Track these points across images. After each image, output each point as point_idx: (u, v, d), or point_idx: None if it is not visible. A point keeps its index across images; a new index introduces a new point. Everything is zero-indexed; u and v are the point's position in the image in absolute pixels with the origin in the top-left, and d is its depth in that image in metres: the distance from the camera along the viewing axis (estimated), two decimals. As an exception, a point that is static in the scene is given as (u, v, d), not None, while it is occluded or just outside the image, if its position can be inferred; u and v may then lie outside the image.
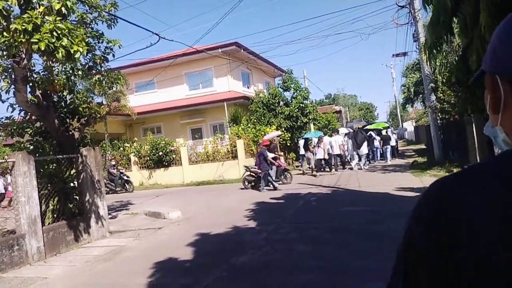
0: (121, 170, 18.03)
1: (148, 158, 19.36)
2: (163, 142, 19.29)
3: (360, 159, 17.23)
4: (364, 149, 17.13)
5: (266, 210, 9.09)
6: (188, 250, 6.05)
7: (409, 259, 0.67)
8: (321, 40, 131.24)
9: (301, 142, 18.48)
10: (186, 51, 21.76)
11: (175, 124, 23.23)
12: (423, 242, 0.66)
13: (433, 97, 15.05)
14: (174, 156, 19.04)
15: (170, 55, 24.10)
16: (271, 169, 13.36)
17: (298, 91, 21.64)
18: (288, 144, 21.20)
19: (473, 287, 0.58)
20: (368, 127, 22.73)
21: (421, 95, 23.44)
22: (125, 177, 17.62)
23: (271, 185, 12.92)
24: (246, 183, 13.77)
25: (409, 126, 45.79)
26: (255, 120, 20.56)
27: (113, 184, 17.38)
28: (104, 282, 5.02)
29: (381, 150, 19.46)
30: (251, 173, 13.67)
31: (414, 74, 27.49)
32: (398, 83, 44.38)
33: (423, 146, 25.53)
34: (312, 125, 25.21)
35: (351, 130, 20.65)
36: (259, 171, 13.10)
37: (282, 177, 14.14)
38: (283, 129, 20.32)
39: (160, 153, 18.82)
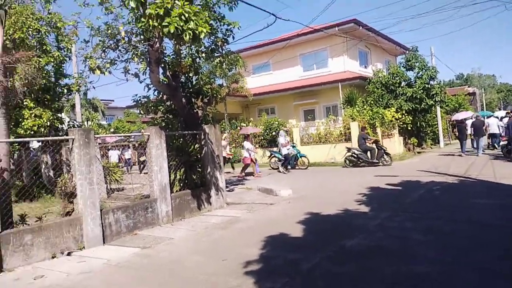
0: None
1: (262, 138, 20.09)
2: (277, 122, 19.74)
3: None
4: None
5: (381, 196, 8.58)
6: (297, 228, 6.10)
7: None
8: (453, 12, 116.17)
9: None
10: (301, 31, 21.62)
11: (289, 105, 23.52)
12: None
13: None
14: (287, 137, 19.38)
15: (285, 37, 24.30)
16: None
17: (423, 71, 19.56)
18: (410, 128, 19.52)
19: None
20: None
21: None
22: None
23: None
24: (347, 162, 15.42)
25: None
26: (372, 102, 19.42)
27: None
28: (220, 249, 5.41)
29: None
30: (352, 154, 15.34)
31: None
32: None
33: None
34: (438, 108, 22.74)
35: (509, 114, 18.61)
36: (359, 151, 15.13)
37: (382, 159, 15.16)
38: (403, 112, 18.76)
39: (273, 133, 19.33)
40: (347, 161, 15.47)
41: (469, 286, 3.59)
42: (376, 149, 15.20)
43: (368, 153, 15.22)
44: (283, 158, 15.30)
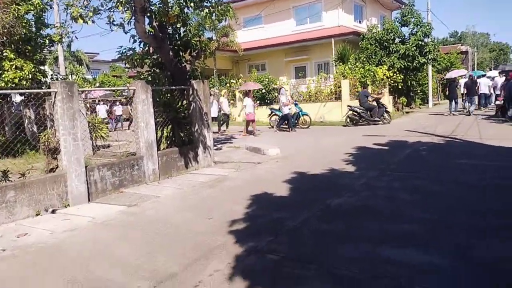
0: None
1: (252, 95, 19.75)
2: (267, 79, 19.37)
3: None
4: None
5: (368, 156, 8.64)
6: (284, 187, 6.12)
7: None
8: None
9: None
10: (295, -18, 20.63)
11: (280, 61, 23.01)
12: None
13: None
14: (276, 94, 19.09)
15: (278, -13, 23.20)
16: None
17: (418, 27, 19.10)
18: (400, 87, 19.39)
19: None
20: None
21: None
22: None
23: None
24: (348, 121, 15.20)
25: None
26: (364, 59, 19.09)
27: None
28: (207, 206, 5.42)
29: None
30: (354, 112, 15.09)
31: None
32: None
33: None
34: (430, 67, 22.51)
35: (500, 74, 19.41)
36: (361, 109, 15.05)
37: (382, 117, 15.15)
38: (395, 70, 18.53)
39: (263, 91, 19.01)
40: (349, 120, 15.22)
41: (455, 243, 3.67)
42: (377, 107, 15.10)
43: (370, 111, 15.16)
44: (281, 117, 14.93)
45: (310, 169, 7.29)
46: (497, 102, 15.13)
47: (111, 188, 6.46)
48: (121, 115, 21.11)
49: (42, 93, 8.11)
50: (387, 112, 15.40)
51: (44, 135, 6.23)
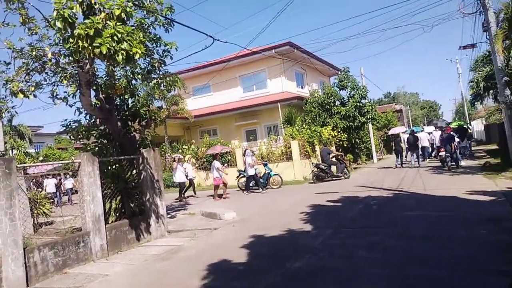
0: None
1: (205, 160, 19.76)
2: (219, 143, 19.59)
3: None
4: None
5: (322, 213, 8.75)
6: (242, 253, 5.94)
7: None
8: (379, 34, 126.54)
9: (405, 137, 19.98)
10: (239, 53, 21.97)
11: (230, 126, 23.57)
12: None
13: (508, 92, 13.60)
14: (229, 157, 19.25)
15: (224, 59, 24.53)
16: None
17: (355, 90, 20.82)
18: (345, 145, 20.47)
19: None
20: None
21: (492, 91, 21.38)
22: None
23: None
24: (315, 178, 15.58)
25: (478, 124, 42.19)
26: (309, 121, 20.14)
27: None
28: (160, 282, 5.07)
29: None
30: (319, 169, 15.73)
31: (484, 67, 25.23)
32: (464, 79, 41.10)
33: (495, 147, 23.35)
34: (370, 125, 24.18)
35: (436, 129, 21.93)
36: (326, 166, 15.77)
37: (343, 172, 15.81)
38: (339, 129, 19.66)
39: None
40: (315, 177, 15.58)
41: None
42: (339, 163, 15.93)
43: (333, 167, 15.82)
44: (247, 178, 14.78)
45: (268, 231, 7.19)
46: (441, 153, 16.27)
47: (54, 269, 5.88)
48: (71, 188, 19.91)
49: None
50: (346, 167, 16.21)
51: (-24, 217, 5.66)
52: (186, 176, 15.22)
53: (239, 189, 15.88)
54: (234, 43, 24.61)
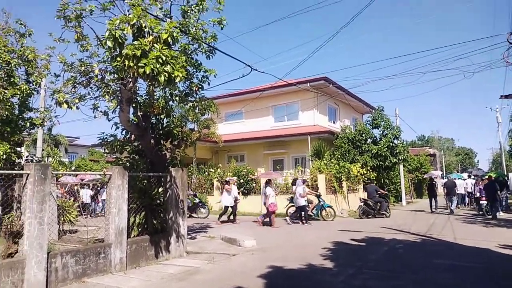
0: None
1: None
2: (245, 170, 19.65)
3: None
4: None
5: (345, 252, 8.48)
6: (259, 282, 5.83)
7: None
8: (418, 76, 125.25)
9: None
10: (274, 84, 22.35)
11: (258, 154, 23.67)
12: None
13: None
14: (254, 185, 19.20)
15: (259, 88, 25.00)
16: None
17: (388, 129, 20.53)
18: (374, 184, 19.99)
19: None
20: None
21: (533, 143, 20.59)
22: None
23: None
24: (362, 213, 15.59)
25: (517, 176, 40.14)
26: (339, 156, 19.92)
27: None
28: (175, 302, 5.03)
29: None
30: (366, 205, 15.76)
31: (526, 118, 24.38)
32: (504, 129, 39.67)
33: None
34: (401, 167, 23.58)
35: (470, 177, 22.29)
36: (373, 202, 15.86)
37: (386, 210, 15.85)
38: (368, 168, 19.29)
39: (241, 181, 19.15)
40: (362, 213, 15.62)
41: None
42: (384, 201, 16.15)
43: (378, 204, 15.96)
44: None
45: (287, 263, 7.04)
46: (481, 202, 16.27)
47: (73, 277, 5.98)
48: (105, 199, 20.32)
49: (13, 174, 7.90)
50: (388, 206, 16.25)
51: (8, 218, 5.92)
52: (236, 200, 14.97)
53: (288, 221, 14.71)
54: (271, 73, 25.28)
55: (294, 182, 14.81)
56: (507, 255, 7.71)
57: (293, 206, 14.91)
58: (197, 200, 17.39)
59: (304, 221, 13.92)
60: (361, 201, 16.20)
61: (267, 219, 13.68)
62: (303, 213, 14.02)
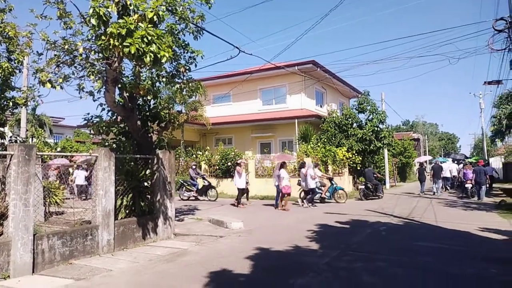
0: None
1: (217, 167, 19.85)
2: (233, 153, 19.67)
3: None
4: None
5: (330, 234, 8.66)
6: (245, 264, 5.92)
7: None
8: (404, 62, 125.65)
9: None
10: (262, 67, 22.21)
11: (246, 137, 23.68)
12: None
13: (532, 132, 13.41)
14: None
15: (247, 70, 24.81)
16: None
17: (374, 114, 20.73)
18: (358, 168, 20.28)
19: None
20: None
21: (515, 129, 21.08)
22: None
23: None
24: (362, 195, 16.53)
25: (496, 162, 41.25)
26: (325, 140, 20.09)
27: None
28: (162, 283, 5.09)
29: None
30: (366, 188, 16.68)
31: (508, 105, 24.84)
32: (486, 115, 40.44)
33: (513, 186, 22.82)
34: (386, 151, 23.93)
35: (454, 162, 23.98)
36: (372, 185, 16.83)
37: (382, 192, 17.13)
38: (354, 152, 19.53)
39: (229, 164, 19.19)
40: (363, 195, 16.48)
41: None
42: (379, 184, 17.33)
43: (375, 187, 17.02)
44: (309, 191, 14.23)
45: (273, 245, 7.16)
46: (467, 185, 17.04)
47: (60, 258, 5.97)
48: None
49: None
50: (382, 189, 17.47)
51: (-8, 199, 5.82)
52: (247, 182, 15.17)
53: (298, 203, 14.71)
54: (259, 56, 25.09)
55: (302, 165, 14.71)
56: (486, 238, 7.99)
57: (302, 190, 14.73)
58: (206, 183, 17.30)
59: (310, 203, 14.09)
60: (362, 184, 17.13)
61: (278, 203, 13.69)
62: (308, 196, 14.23)
